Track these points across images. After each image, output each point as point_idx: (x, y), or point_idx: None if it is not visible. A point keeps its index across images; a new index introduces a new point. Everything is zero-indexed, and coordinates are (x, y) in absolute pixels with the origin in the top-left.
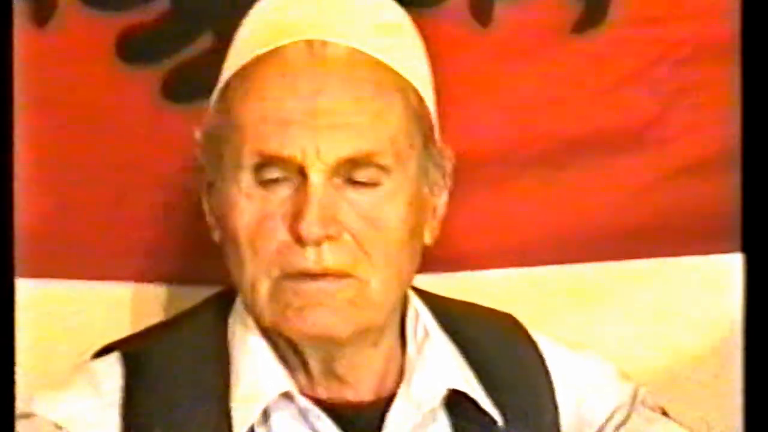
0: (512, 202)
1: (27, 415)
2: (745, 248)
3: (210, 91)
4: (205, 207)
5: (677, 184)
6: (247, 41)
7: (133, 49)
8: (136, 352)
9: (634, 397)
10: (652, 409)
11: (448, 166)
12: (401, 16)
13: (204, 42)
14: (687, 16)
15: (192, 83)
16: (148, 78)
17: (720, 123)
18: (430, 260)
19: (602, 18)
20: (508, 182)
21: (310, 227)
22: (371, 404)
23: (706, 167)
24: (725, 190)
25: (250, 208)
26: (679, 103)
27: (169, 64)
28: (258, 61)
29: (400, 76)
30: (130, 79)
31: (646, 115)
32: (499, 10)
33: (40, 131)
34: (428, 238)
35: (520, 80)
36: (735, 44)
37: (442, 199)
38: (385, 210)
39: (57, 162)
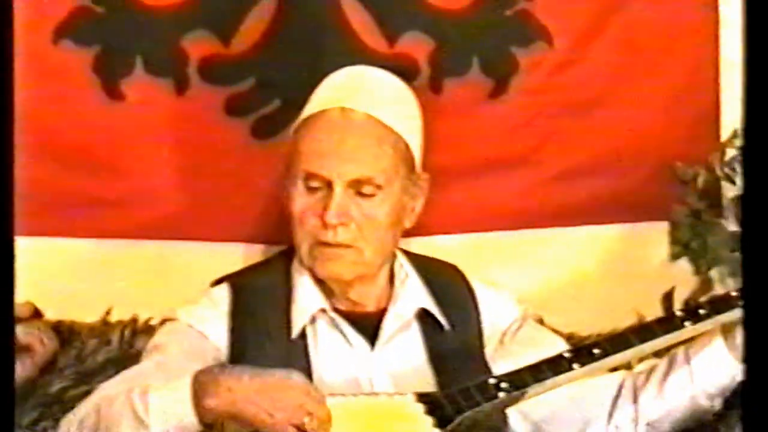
0: (453, 195)
1: (171, 319)
2: (597, 222)
3: (280, 133)
4: (284, 190)
5: (548, 185)
6: (312, 104)
7: (234, 107)
8: (238, 282)
9: (525, 314)
10: (535, 320)
11: (424, 185)
12: (404, 91)
13: (275, 104)
14: (555, 89)
15: (269, 128)
16: (243, 125)
17: (574, 152)
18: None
19: (505, 90)
20: (450, 184)
21: (331, 218)
22: (373, 314)
23: (566, 176)
24: (576, 188)
25: (300, 200)
26: (551, 139)
27: (255, 116)
28: (313, 116)
29: (396, 133)
30: (233, 126)
31: (529, 146)
32: (446, 85)
33: (179, 157)
34: (408, 224)
35: (457, 127)
36: (590, 103)
37: (418, 203)
38: (377, 210)
39: (192, 173)
